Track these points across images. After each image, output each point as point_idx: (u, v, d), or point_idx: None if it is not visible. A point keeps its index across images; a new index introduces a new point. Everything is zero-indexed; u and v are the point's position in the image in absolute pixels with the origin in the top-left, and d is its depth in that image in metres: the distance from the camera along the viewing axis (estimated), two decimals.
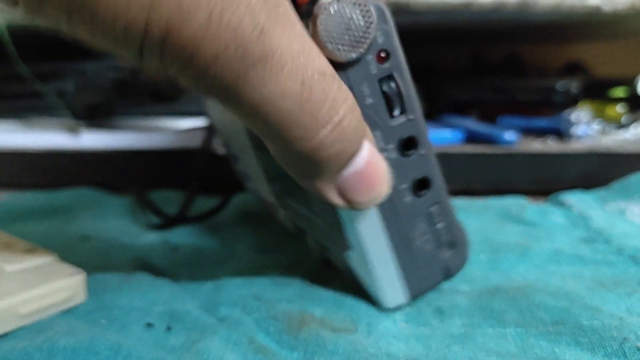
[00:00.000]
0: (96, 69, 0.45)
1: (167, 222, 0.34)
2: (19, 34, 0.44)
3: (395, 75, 0.21)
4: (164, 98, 0.45)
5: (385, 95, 0.21)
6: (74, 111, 0.45)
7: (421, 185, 0.23)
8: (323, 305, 0.24)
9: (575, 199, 0.38)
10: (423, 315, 0.23)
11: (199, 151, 0.37)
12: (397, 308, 0.24)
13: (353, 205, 0.19)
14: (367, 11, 0.19)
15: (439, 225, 0.23)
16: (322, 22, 0.19)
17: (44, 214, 0.37)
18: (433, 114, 0.55)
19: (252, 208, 0.38)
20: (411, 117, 0.21)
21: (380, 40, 0.20)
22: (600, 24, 0.53)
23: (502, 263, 0.28)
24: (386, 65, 0.20)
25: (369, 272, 0.23)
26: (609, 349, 0.20)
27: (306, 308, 0.23)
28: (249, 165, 0.30)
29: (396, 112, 0.21)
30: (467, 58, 0.78)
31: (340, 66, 0.20)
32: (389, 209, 0.22)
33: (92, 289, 0.25)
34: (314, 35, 0.19)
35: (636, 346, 0.20)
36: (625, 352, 0.20)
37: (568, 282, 0.26)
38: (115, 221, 0.36)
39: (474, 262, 0.29)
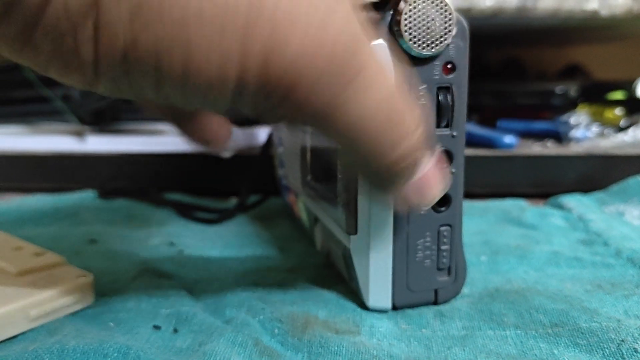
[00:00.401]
0: None
1: (225, 215, 0.37)
2: None
3: (454, 89, 0.22)
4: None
5: (438, 104, 0.22)
6: (79, 115, 0.45)
7: (442, 201, 0.23)
8: (326, 307, 0.24)
9: (575, 202, 0.38)
10: (424, 317, 0.23)
11: (258, 156, 0.39)
12: (378, 311, 0.24)
13: (413, 208, 0.21)
14: (449, 20, 0.21)
15: (444, 247, 0.24)
16: (407, 12, 0.20)
17: (51, 218, 0.38)
18: None
19: (258, 212, 0.39)
20: (455, 133, 0.23)
21: (452, 52, 0.22)
22: (599, 28, 0.54)
23: (502, 265, 0.29)
24: (449, 77, 0.22)
25: (365, 264, 0.23)
26: (606, 351, 0.20)
27: (310, 310, 0.24)
28: (288, 150, 0.32)
29: (443, 123, 0.22)
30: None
31: (407, 60, 0.21)
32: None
33: (99, 292, 0.25)
34: (397, 24, 0.20)
35: (634, 348, 0.20)
36: (623, 353, 0.20)
37: (567, 284, 0.26)
38: (121, 224, 0.37)
39: (474, 264, 0.29)
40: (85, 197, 0.43)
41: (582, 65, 0.78)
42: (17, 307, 0.22)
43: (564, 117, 0.48)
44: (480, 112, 0.55)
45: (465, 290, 0.26)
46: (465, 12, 0.41)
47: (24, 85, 0.45)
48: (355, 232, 0.23)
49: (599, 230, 0.33)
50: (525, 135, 0.50)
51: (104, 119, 0.45)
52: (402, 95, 0.18)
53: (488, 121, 0.52)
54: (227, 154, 0.43)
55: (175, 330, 0.22)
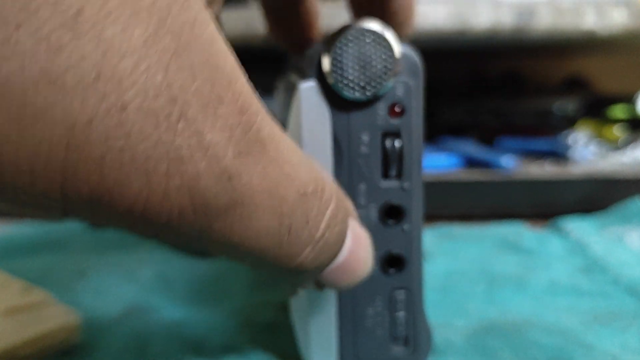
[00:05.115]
0: None
1: None
2: None
3: (403, 135, 0.19)
4: None
5: (385, 152, 0.19)
6: None
7: (393, 262, 0.20)
8: None
9: (573, 225, 0.38)
10: None
11: None
12: None
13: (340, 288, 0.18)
14: (390, 57, 0.18)
15: (399, 314, 0.20)
16: (337, 49, 0.18)
17: (41, 248, 0.37)
18: (430, 136, 0.55)
19: None
20: (406, 185, 0.19)
21: (399, 92, 0.19)
22: (597, 44, 0.53)
23: (498, 295, 0.28)
24: (397, 121, 0.19)
25: (306, 329, 0.20)
26: None
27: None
28: None
29: (391, 174, 0.19)
30: (465, 76, 0.79)
31: (343, 104, 0.18)
32: None
33: (87, 330, 0.25)
34: (325, 63, 0.18)
35: None
36: None
37: (563, 316, 0.26)
38: (111, 255, 0.36)
39: (470, 295, 0.29)
40: (76, 226, 0.43)
41: (583, 77, 0.77)
42: (1, 349, 0.21)
43: (563, 135, 0.47)
44: (479, 129, 0.55)
45: (460, 322, 0.25)
46: (461, 34, 0.41)
47: None
48: (294, 293, 0.21)
49: (598, 256, 0.33)
50: (525, 153, 0.49)
51: None
52: (307, 202, 0.15)
53: (487, 138, 0.52)
54: None
55: None
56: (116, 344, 0.24)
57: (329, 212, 0.15)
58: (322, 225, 0.15)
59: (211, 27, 0.13)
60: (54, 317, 0.24)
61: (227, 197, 0.13)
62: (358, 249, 0.17)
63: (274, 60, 0.33)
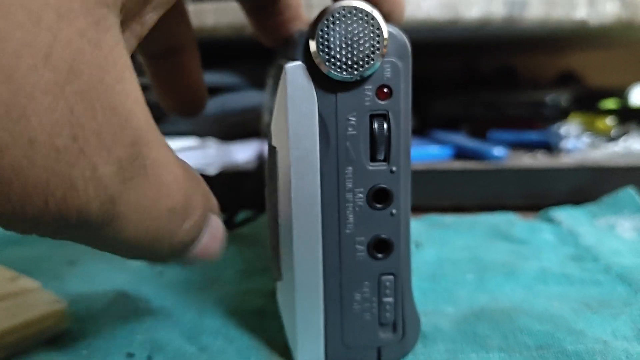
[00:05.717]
0: None
1: None
2: None
3: (391, 117, 0.19)
4: (154, 118, 0.45)
5: (372, 134, 0.19)
6: None
7: (381, 246, 0.20)
8: None
9: (565, 215, 0.38)
10: None
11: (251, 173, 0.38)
12: None
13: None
14: (378, 36, 0.17)
15: (387, 300, 0.20)
16: (324, 27, 0.17)
17: (31, 238, 0.37)
18: (422, 129, 0.55)
19: (245, 231, 0.38)
20: (394, 168, 0.19)
21: (387, 74, 0.18)
22: (589, 36, 0.53)
23: (489, 283, 0.28)
24: (384, 103, 0.18)
25: (292, 314, 0.20)
26: None
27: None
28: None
29: (379, 157, 0.19)
30: (458, 69, 0.79)
31: (330, 84, 0.18)
32: (336, 257, 0.20)
33: (75, 317, 0.25)
34: (312, 42, 0.18)
35: None
36: None
37: (554, 303, 0.25)
38: None
39: (460, 282, 0.28)
40: None
41: (577, 72, 0.77)
42: None
43: (555, 127, 0.47)
44: (470, 122, 0.55)
45: (449, 309, 0.25)
46: (452, 24, 0.41)
47: None
48: (281, 278, 0.21)
49: (589, 245, 0.32)
50: (516, 145, 0.49)
51: None
52: (173, 219, 0.16)
53: (479, 131, 0.52)
54: (212, 171, 0.43)
55: (150, 358, 0.22)
56: (104, 330, 0.24)
57: (191, 221, 0.17)
58: (183, 233, 0.17)
59: (120, 64, 0.14)
60: (41, 304, 0.24)
61: (108, 216, 0.14)
62: (211, 243, 0.19)
63: (266, 52, 0.33)
